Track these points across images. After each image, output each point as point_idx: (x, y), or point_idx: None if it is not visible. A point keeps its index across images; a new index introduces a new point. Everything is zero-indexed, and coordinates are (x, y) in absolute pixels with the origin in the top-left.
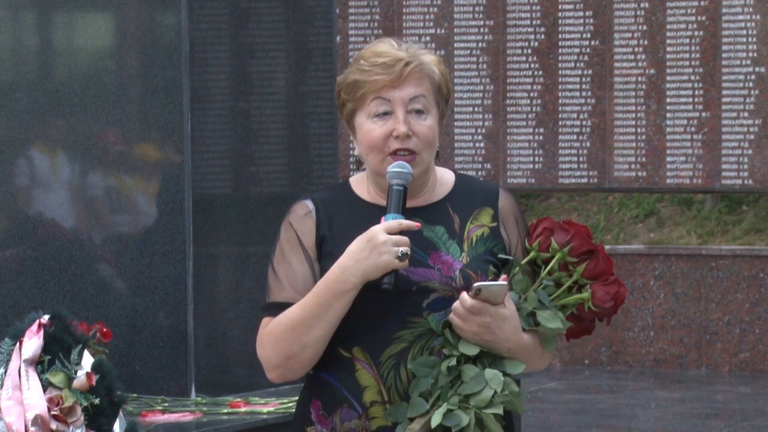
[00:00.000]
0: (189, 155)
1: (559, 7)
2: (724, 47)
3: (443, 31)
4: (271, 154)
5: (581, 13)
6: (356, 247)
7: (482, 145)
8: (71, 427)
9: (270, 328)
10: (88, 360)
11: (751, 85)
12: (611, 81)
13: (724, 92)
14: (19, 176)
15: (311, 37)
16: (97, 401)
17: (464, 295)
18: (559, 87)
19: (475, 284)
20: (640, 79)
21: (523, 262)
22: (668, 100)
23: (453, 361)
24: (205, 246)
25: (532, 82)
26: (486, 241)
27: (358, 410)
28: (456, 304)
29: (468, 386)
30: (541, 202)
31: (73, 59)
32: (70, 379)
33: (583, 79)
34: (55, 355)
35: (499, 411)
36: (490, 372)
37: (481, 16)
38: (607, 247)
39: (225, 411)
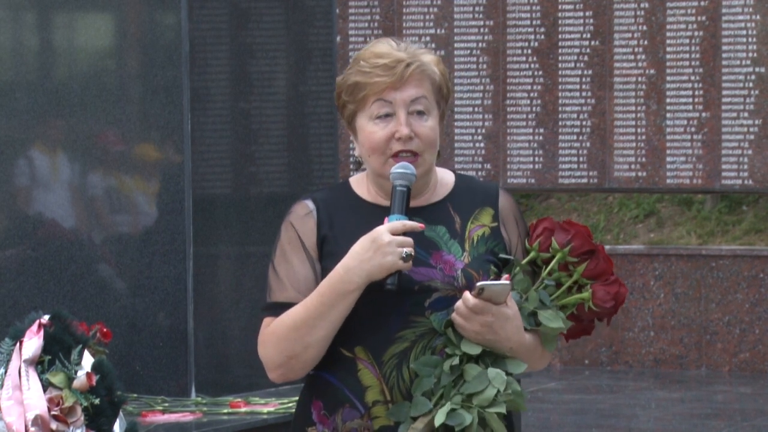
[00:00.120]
0: (189, 155)
1: (559, 7)
2: (724, 47)
3: (443, 31)
4: (271, 154)
5: (581, 14)
6: (360, 247)
7: (482, 145)
8: (71, 427)
9: (272, 328)
10: (88, 360)
11: (751, 85)
12: (611, 81)
13: (724, 92)
14: (19, 176)
15: (311, 37)
16: (97, 401)
17: (467, 294)
18: (559, 87)
19: (478, 283)
20: (640, 79)
21: (524, 262)
22: (668, 100)
23: (456, 360)
24: (205, 246)
25: (532, 82)
26: (487, 240)
27: (360, 410)
28: (459, 304)
29: (471, 385)
30: (541, 203)
31: (73, 59)
32: (70, 379)
33: (583, 80)
34: (55, 355)
35: (502, 410)
36: (492, 371)
37: (481, 16)
38: (607, 247)
39: (225, 411)
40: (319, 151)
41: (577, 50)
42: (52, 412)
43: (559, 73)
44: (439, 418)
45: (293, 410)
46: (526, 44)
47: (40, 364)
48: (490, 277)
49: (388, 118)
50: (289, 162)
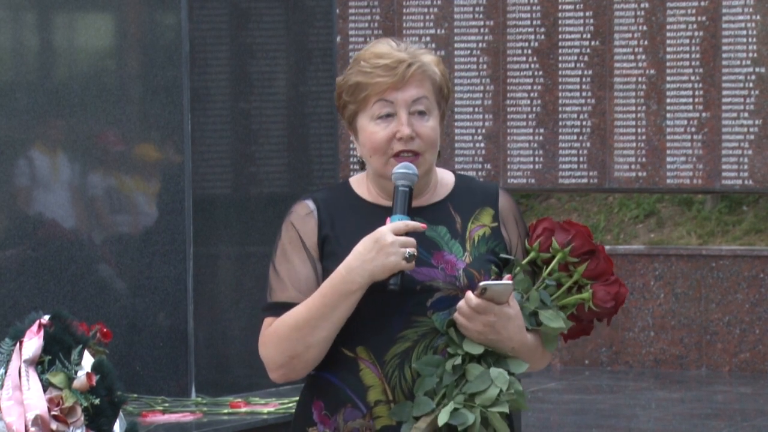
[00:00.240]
0: (189, 155)
1: (559, 7)
2: (724, 47)
3: (443, 31)
4: (272, 154)
5: (581, 14)
6: (363, 247)
7: (482, 145)
8: (71, 428)
9: (274, 328)
10: (88, 360)
11: (751, 85)
12: (611, 81)
13: (724, 92)
14: (20, 176)
15: (311, 37)
16: (97, 401)
17: (469, 294)
18: (559, 87)
19: (481, 283)
20: (640, 79)
21: (524, 262)
22: (668, 100)
23: (458, 360)
24: (205, 246)
25: (532, 82)
26: (488, 240)
27: (362, 410)
28: (461, 303)
29: (473, 385)
30: (541, 203)
31: (73, 59)
32: (70, 379)
33: (583, 80)
34: (55, 355)
35: (505, 409)
36: (495, 371)
37: (481, 16)
38: (607, 247)
39: (225, 411)
40: (319, 152)
41: (577, 50)
42: (52, 413)
43: (559, 73)
44: (443, 418)
45: (293, 410)
46: (527, 44)
47: (40, 365)
48: (492, 277)
49: (389, 118)
50: (290, 162)
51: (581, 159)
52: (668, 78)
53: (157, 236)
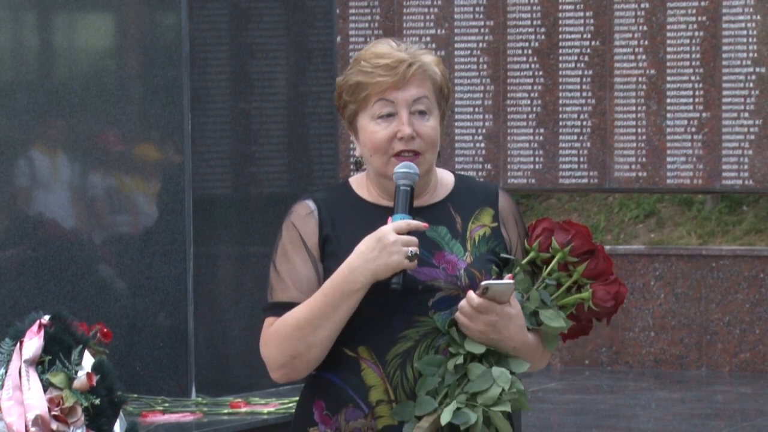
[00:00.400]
0: (189, 155)
1: (560, 7)
2: (725, 47)
3: (443, 31)
4: (272, 154)
5: (581, 14)
6: (365, 246)
7: (482, 145)
8: (72, 428)
9: (275, 328)
10: (88, 360)
11: (751, 85)
12: (611, 81)
13: (725, 92)
14: (20, 176)
15: (311, 37)
16: (97, 401)
17: (471, 293)
18: (560, 87)
19: (483, 283)
20: (640, 79)
21: (524, 261)
22: (668, 100)
23: (460, 360)
24: (206, 246)
25: (533, 82)
26: (488, 240)
27: (363, 410)
28: (463, 303)
29: (475, 384)
30: (541, 203)
31: (73, 59)
32: (70, 379)
33: (584, 80)
34: (55, 355)
35: (507, 409)
36: (497, 370)
37: (481, 16)
38: (607, 247)
39: (225, 411)
40: (319, 152)
41: (577, 50)
42: (53, 413)
43: (560, 73)
44: (445, 417)
45: (293, 410)
46: (527, 44)
47: (41, 365)
48: (493, 277)
49: (390, 117)
50: (290, 162)
51: (581, 159)
52: (668, 78)
53: (157, 236)
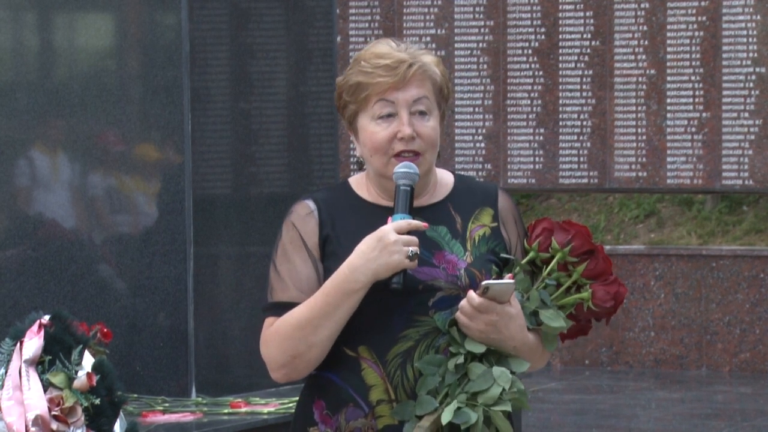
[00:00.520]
0: (189, 155)
1: (560, 7)
2: (725, 47)
3: (443, 31)
4: (272, 154)
5: (581, 14)
6: (366, 246)
7: (483, 145)
8: (72, 428)
9: (275, 328)
10: (88, 360)
11: (751, 85)
12: (612, 81)
13: (725, 92)
14: (20, 176)
15: (311, 37)
16: (97, 401)
17: (471, 293)
18: (560, 87)
19: (483, 282)
20: (640, 79)
21: (523, 261)
22: (668, 100)
23: (460, 359)
24: (206, 246)
25: (533, 82)
26: (488, 240)
27: (364, 409)
28: (463, 303)
29: (475, 384)
30: (541, 203)
31: (73, 59)
32: (70, 379)
33: (584, 80)
34: (55, 355)
35: (508, 408)
36: (497, 369)
37: (481, 16)
38: (607, 247)
39: (225, 411)
40: (319, 152)
41: (577, 50)
42: (53, 413)
43: (560, 73)
44: (446, 417)
45: (293, 410)
46: (527, 44)
47: (41, 365)
48: (493, 277)
49: (390, 118)
50: (290, 162)
51: (581, 159)
52: (668, 78)
53: (157, 236)
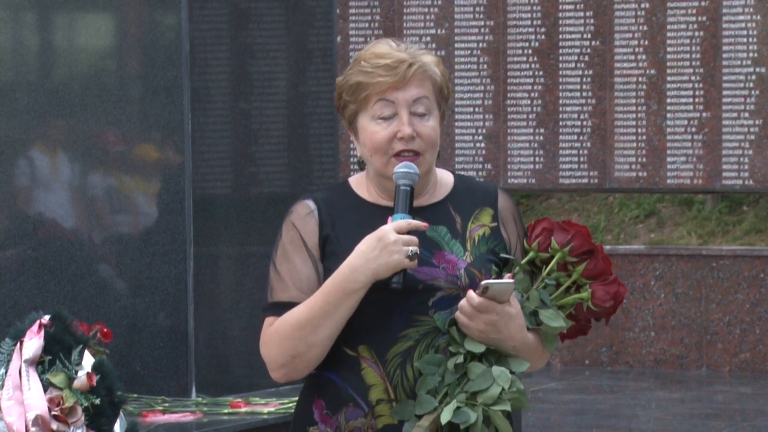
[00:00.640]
0: (189, 155)
1: (560, 7)
2: (725, 47)
3: (443, 31)
4: (272, 154)
5: (582, 14)
6: (366, 246)
7: (483, 145)
8: (72, 428)
9: (275, 328)
10: (88, 360)
11: (751, 85)
12: (612, 81)
13: (725, 92)
14: (20, 176)
15: (311, 37)
16: (97, 401)
17: (471, 293)
18: (560, 87)
19: (483, 282)
20: (640, 79)
21: (523, 261)
22: (669, 100)
23: (460, 359)
24: (206, 246)
25: (533, 82)
26: (488, 240)
27: (364, 409)
28: (463, 302)
29: (475, 383)
30: (541, 203)
31: (73, 59)
32: (70, 379)
33: (584, 80)
34: (55, 355)
35: (507, 408)
36: (497, 369)
37: (481, 16)
38: (607, 247)
39: (225, 411)
40: (319, 152)
41: (577, 50)
42: (53, 413)
43: (560, 73)
44: (445, 416)
45: (293, 410)
46: (527, 44)
47: (41, 365)
48: (492, 276)
49: (390, 118)
50: (290, 162)
51: (581, 159)
52: (668, 78)
53: (157, 236)
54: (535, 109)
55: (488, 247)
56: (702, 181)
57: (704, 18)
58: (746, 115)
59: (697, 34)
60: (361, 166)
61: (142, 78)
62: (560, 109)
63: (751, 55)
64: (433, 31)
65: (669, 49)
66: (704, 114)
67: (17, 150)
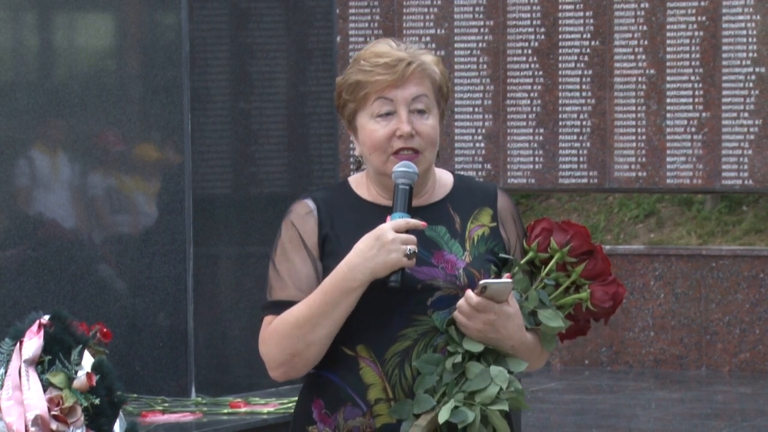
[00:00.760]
0: (189, 155)
1: (559, 7)
2: (724, 47)
3: (443, 31)
4: (272, 154)
5: (581, 14)
6: (364, 245)
7: (482, 145)
8: (71, 428)
9: (274, 326)
10: (88, 360)
11: (751, 85)
12: (611, 81)
13: (724, 92)
14: (20, 176)
15: (311, 37)
16: (97, 401)
17: (469, 292)
18: (559, 87)
19: (481, 282)
20: (640, 79)
21: (522, 261)
22: (668, 100)
23: (458, 358)
24: (205, 246)
25: (532, 82)
26: (487, 240)
27: (362, 408)
28: (461, 302)
29: (473, 383)
30: (541, 203)
31: (73, 59)
32: (70, 379)
33: (583, 80)
34: (55, 355)
35: (505, 407)
36: (495, 369)
37: (481, 16)
38: (607, 247)
39: (225, 411)
40: (319, 152)
41: (577, 50)
42: (52, 413)
43: (560, 73)
44: (443, 415)
45: (293, 410)
46: (527, 44)
47: (40, 365)
48: (491, 276)
49: (389, 116)
50: (290, 162)
51: (581, 159)
52: (668, 78)
53: (157, 236)
54: (534, 109)
55: (487, 247)
56: (702, 181)
57: (704, 18)
58: (746, 115)
59: (696, 34)
60: (358, 166)
61: (142, 78)
62: (560, 109)
63: (750, 55)
64: (432, 31)
65: (669, 49)
66: (704, 114)
67: (17, 150)
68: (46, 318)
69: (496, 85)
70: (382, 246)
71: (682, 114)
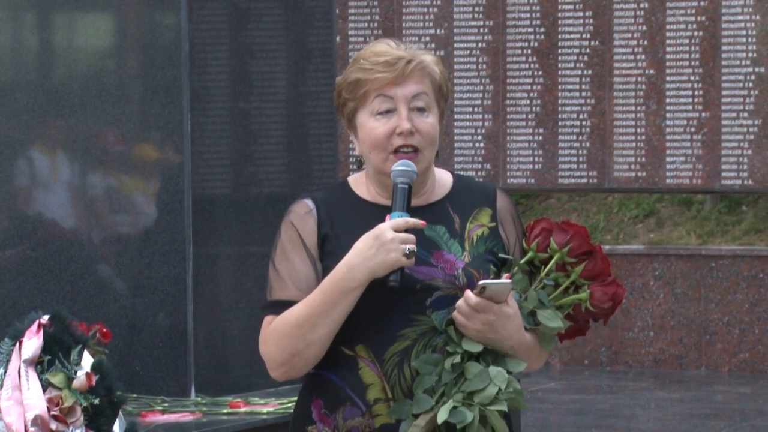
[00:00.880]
0: (189, 155)
1: (559, 7)
2: (724, 47)
3: (443, 31)
4: (271, 154)
5: (581, 14)
6: (363, 244)
7: (482, 145)
8: (71, 428)
9: (274, 326)
10: (87, 360)
11: (750, 85)
12: (611, 81)
13: (724, 92)
14: (19, 176)
15: (311, 37)
16: (96, 401)
17: (469, 292)
18: (559, 87)
19: (480, 282)
20: (639, 79)
21: (522, 261)
22: (668, 100)
23: (457, 359)
24: (205, 246)
25: (532, 82)
26: (486, 240)
27: (361, 408)
28: (460, 302)
29: (472, 383)
30: (540, 203)
31: (73, 59)
32: (69, 379)
33: (583, 80)
34: (54, 355)
35: (504, 408)
36: (494, 369)
37: (480, 16)
38: (606, 247)
39: (225, 411)
40: (319, 152)
41: (576, 50)
42: (52, 412)
43: (559, 73)
44: (442, 416)
45: (293, 410)
46: (526, 44)
47: (40, 365)
48: (490, 276)
49: (389, 114)
50: (289, 162)
51: (581, 159)
52: (668, 78)
53: (157, 236)
54: (534, 109)
55: (487, 247)
56: (701, 181)
57: (703, 18)
58: (745, 115)
59: (696, 34)
60: (359, 165)
61: (141, 78)
62: (559, 109)
63: (750, 55)
64: (432, 31)
65: (668, 49)
66: (703, 114)
67: (17, 150)
68: (45, 318)
69: (495, 85)
70: (381, 245)
71: (682, 114)
